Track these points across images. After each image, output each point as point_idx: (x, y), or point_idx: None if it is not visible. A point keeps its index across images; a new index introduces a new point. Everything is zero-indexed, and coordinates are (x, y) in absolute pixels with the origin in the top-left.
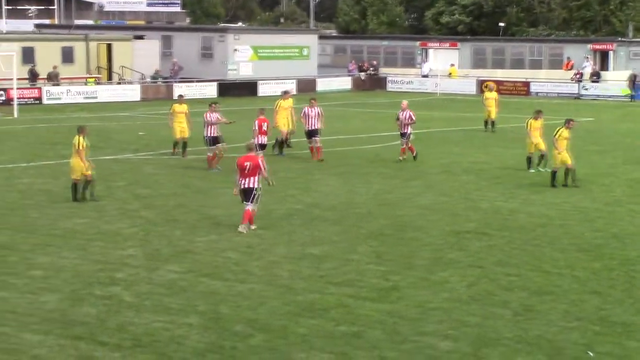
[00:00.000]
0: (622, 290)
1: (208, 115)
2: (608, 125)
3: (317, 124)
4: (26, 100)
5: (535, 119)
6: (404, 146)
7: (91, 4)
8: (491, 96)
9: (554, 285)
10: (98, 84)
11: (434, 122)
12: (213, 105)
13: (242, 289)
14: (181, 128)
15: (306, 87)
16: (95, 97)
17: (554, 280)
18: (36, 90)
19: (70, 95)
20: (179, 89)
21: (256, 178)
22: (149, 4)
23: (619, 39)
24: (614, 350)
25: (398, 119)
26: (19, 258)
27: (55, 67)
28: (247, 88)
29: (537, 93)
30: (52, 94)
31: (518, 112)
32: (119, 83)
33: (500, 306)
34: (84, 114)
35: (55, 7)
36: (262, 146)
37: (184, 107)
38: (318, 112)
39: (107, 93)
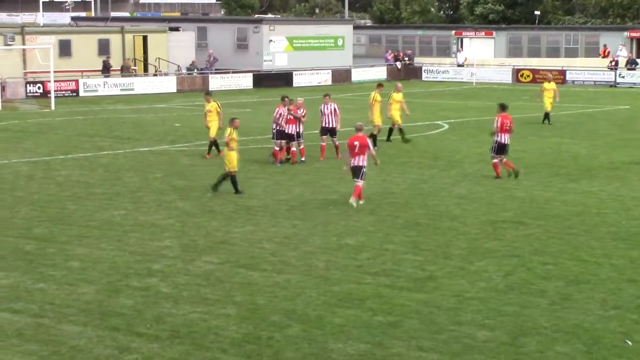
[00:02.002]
0: None
1: (280, 109)
2: None
3: (333, 122)
4: (63, 92)
5: None
6: (302, 147)
7: None
8: (550, 87)
9: (591, 274)
10: (134, 76)
11: (470, 111)
12: (286, 99)
13: (279, 280)
14: (211, 127)
15: (341, 77)
16: (132, 89)
17: (591, 269)
18: (73, 83)
19: (107, 87)
20: (214, 80)
21: (364, 156)
22: None
23: None
24: None
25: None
26: (56, 250)
27: (128, 59)
28: (282, 79)
29: (573, 81)
30: (89, 86)
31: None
32: (155, 75)
33: (537, 295)
34: (120, 106)
35: None
36: (289, 136)
37: (211, 106)
38: (334, 109)
39: (143, 85)
